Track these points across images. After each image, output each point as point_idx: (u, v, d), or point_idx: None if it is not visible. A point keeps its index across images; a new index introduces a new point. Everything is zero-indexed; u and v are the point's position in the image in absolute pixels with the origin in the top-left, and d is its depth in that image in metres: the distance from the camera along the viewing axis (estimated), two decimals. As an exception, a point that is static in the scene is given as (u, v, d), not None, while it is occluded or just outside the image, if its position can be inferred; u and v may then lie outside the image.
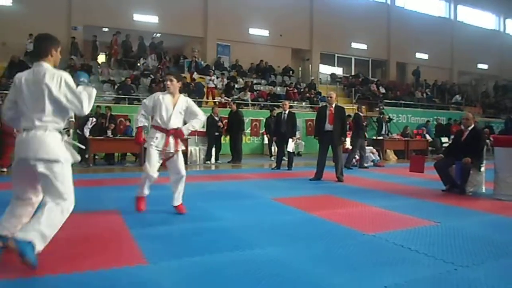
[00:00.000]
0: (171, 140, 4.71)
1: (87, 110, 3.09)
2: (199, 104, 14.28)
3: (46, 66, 3.06)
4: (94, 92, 3.18)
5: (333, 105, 8.37)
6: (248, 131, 14.84)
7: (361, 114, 11.75)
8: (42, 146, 2.95)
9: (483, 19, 30.12)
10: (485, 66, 29.76)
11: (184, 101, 4.85)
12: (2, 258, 2.92)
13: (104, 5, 17.79)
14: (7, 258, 2.88)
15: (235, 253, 3.42)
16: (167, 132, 4.70)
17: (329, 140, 8.28)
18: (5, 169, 8.92)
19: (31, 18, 16.37)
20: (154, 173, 4.70)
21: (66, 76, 3.05)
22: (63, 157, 3.03)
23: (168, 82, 4.75)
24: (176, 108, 4.74)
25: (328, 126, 8.23)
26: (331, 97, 8.52)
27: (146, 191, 4.87)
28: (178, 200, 4.91)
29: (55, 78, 2.98)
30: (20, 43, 15.82)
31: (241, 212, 5.09)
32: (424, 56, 27.06)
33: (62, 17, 17.69)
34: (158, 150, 4.69)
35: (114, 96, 14.76)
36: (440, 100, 24.18)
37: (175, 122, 4.75)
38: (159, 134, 4.70)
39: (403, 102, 21.20)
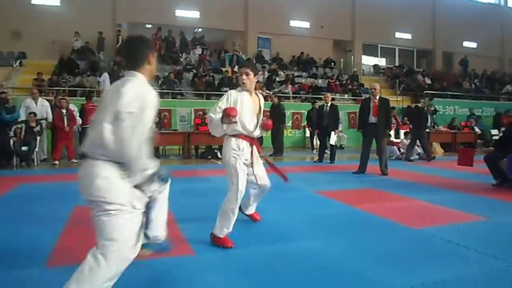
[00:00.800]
0: (255, 149, 3.72)
1: (132, 158, 2.26)
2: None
3: (139, 77, 2.30)
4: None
5: (377, 97, 8.22)
6: (289, 124, 14.79)
7: (420, 105, 11.49)
8: (88, 181, 2.19)
9: (536, 4, 28.50)
10: (539, 54, 28.18)
11: (262, 100, 3.86)
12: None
13: (147, 2, 18.24)
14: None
15: (278, 245, 3.46)
16: (251, 141, 3.68)
17: (373, 132, 8.14)
18: (57, 162, 9.34)
19: (78, 16, 17.10)
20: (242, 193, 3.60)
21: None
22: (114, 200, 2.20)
23: (244, 77, 3.60)
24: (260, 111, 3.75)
25: (372, 119, 8.10)
26: (375, 89, 8.38)
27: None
28: (253, 209, 4.30)
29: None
30: (68, 41, 16.56)
31: (283, 205, 5.12)
32: (472, 45, 25.88)
33: (107, 15, 18.31)
34: (245, 164, 3.60)
35: (158, 90, 15.04)
36: (490, 91, 23.11)
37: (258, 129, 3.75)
38: (243, 144, 3.61)
39: (450, 93, 20.42)
